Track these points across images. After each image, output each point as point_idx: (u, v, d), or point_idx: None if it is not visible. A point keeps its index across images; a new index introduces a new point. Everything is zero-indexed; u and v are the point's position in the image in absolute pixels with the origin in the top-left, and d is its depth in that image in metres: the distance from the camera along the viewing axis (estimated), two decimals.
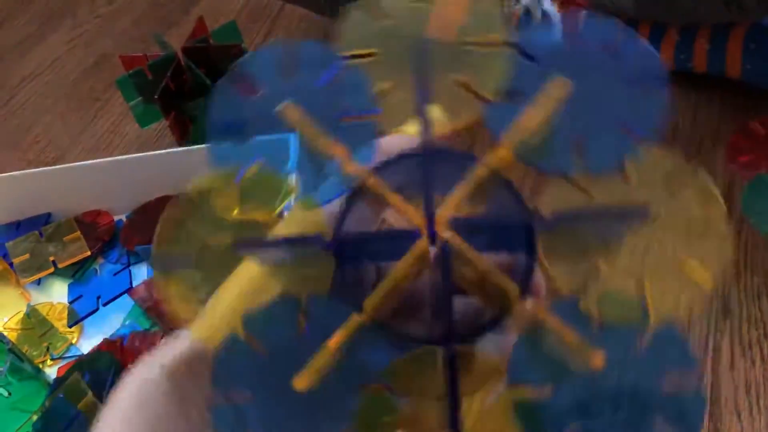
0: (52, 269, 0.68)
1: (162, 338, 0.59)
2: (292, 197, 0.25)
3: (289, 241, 0.23)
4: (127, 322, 0.63)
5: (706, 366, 0.55)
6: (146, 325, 0.62)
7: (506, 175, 0.24)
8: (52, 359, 0.62)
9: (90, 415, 0.53)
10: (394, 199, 0.23)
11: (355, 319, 0.22)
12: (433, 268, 0.24)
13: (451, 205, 0.23)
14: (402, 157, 0.24)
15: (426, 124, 0.24)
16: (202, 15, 0.79)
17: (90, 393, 0.54)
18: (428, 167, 0.24)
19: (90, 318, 0.65)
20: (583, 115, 0.24)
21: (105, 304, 0.66)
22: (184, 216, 0.25)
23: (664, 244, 0.24)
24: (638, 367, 0.23)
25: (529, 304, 0.23)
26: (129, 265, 0.68)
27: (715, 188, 0.24)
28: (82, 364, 0.58)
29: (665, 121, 0.24)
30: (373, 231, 0.25)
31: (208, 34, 0.77)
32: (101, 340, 0.61)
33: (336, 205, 0.24)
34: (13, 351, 0.61)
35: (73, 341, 0.63)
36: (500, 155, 0.23)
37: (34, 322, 0.64)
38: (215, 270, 0.25)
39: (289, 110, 0.24)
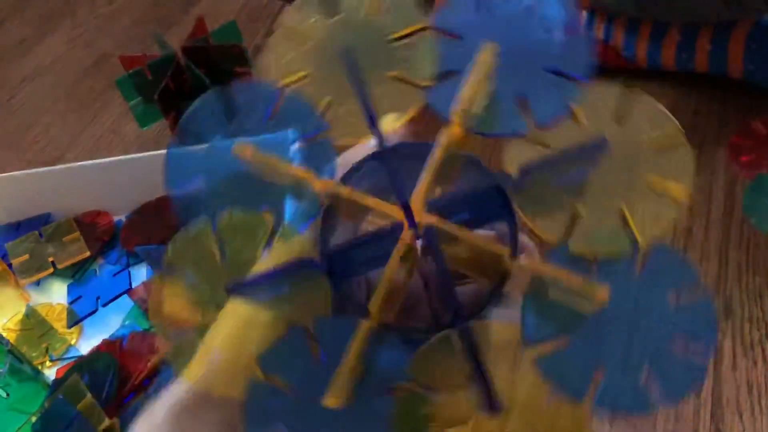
0: (51, 270, 0.68)
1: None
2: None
3: (280, 273, 0.23)
4: (126, 323, 0.63)
5: (707, 367, 0.55)
6: (145, 325, 0.62)
7: (466, 151, 0.24)
8: (51, 360, 0.62)
9: (89, 416, 0.53)
10: (370, 200, 0.24)
11: (365, 325, 0.22)
12: (422, 257, 0.24)
13: (422, 191, 0.24)
14: (364, 162, 0.25)
15: (376, 125, 0.24)
16: (201, 15, 0.78)
17: (89, 394, 0.54)
18: (391, 163, 0.24)
19: (89, 319, 0.65)
20: (518, 74, 0.25)
21: (104, 305, 0.66)
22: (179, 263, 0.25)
23: (630, 170, 0.25)
24: (642, 292, 0.23)
25: (523, 262, 0.23)
26: (128, 266, 0.68)
27: (661, 106, 0.25)
28: (82, 365, 0.58)
29: (594, 58, 0.25)
30: (357, 237, 0.25)
31: (208, 33, 0.76)
32: (100, 341, 0.61)
33: (315, 227, 0.24)
34: (12, 352, 0.60)
35: (73, 342, 0.63)
36: (452, 132, 0.24)
37: (33, 323, 0.64)
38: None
39: (240, 149, 0.24)
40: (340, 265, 0.24)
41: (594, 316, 0.23)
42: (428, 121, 0.26)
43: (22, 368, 0.60)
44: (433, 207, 0.24)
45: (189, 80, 0.74)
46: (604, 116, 0.25)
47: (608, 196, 0.25)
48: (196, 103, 0.25)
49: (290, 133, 0.24)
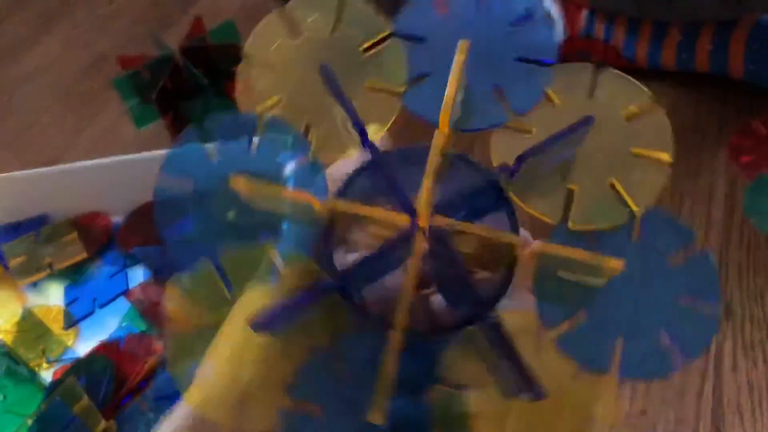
0: (48, 271, 0.67)
1: (158, 341, 0.59)
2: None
3: (301, 301, 0.24)
4: (123, 324, 0.63)
5: (708, 367, 0.55)
6: (142, 327, 0.62)
7: (455, 150, 0.25)
8: (48, 362, 0.61)
9: (85, 418, 0.52)
10: (376, 212, 0.24)
11: (396, 337, 0.22)
12: (431, 259, 0.25)
13: (426, 197, 0.24)
14: (357, 175, 0.25)
15: (366, 136, 0.25)
16: (199, 15, 0.78)
17: (86, 396, 0.53)
18: (386, 172, 0.24)
19: (86, 320, 0.64)
20: (490, 68, 0.26)
21: (101, 306, 0.65)
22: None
23: (614, 143, 0.26)
24: (643, 257, 0.24)
25: (531, 246, 0.24)
26: (126, 267, 0.67)
27: (627, 76, 0.26)
28: (78, 367, 0.57)
29: (560, 42, 0.26)
30: (370, 254, 0.25)
31: (206, 33, 0.76)
32: (97, 342, 0.60)
33: (317, 247, 0.24)
34: (9, 354, 0.60)
35: (69, 344, 0.63)
36: (443, 134, 0.25)
37: (30, 324, 0.64)
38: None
39: (235, 182, 0.24)
40: (351, 281, 0.24)
41: (602, 288, 0.24)
42: (406, 124, 0.26)
43: (19, 370, 0.60)
44: (434, 209, 0.24)
45: (187, 80, 0.73)
46: (579, 95, 0.26)
47: (597, 171, 0.26)
48: (177, 149, 0.26)
49: (279, 158, 0.25)
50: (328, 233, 0.24)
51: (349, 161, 0.26)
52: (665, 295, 0.24)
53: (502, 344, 0.23)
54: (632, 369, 0.23)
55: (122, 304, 0.65)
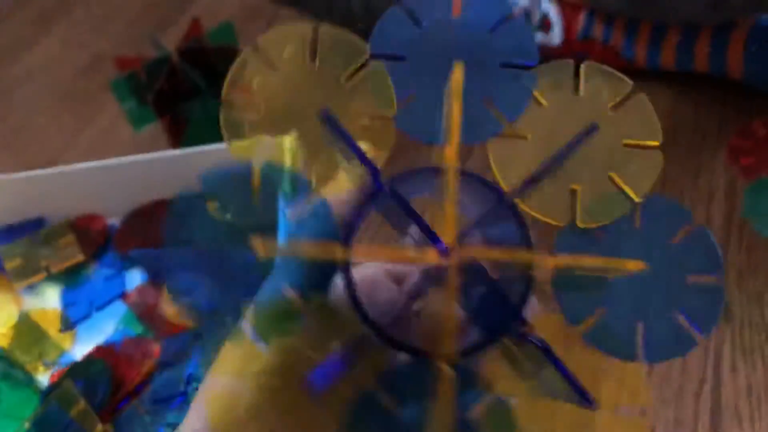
0: (45, 274, 0.67)
1: (155, 344, 0.59)
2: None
3: (347, 356, 0.23)
4: (120, 327, 0.62)
5: (706, 370, 0.55)
6: (139, 330, 0.62)
7: (465, 169, 0.25)
8: (44, 366, 0.61)
9: (82, 422, 0.52)
10: (409, 253, 0.25)
11: (448, 372, 0.22)
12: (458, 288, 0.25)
13: (452, 228, 0.24)
14: (365, 207, 0.25)
15: (369, 163, 0.25)
16: (196, 16, 0.78)
17: (82, 400, 0.53)
18: (400, 200, 0.25)
19: (83, 324, 0.64)
20: (475, 77, 0.26)
21: (98, 309, 0.65)
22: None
23: (604, 136, 0.26)
24: (646, 241, 0.25)
25: (550, 261, 0.25)
26: (123, 270, 0.67)
27: (605, 66, 0.27)
28: (75, 370, 0.57)
29: (537, 44, 0.27)
30: (403, 308, 0.26)
31: (203, 35, 0.76)
32: (94, 346, 0.60)
33: (348, 297, 0.24)
34: (5, 357, 0.60)
35: (66, 347, 0.63)
36: (452, 156, 0.25)
37: (27, 328, 0.64)
38: None
39: (255, 244, 0.24)
40: (387, 328, 0.24)
41: (623, 280, 0.25)
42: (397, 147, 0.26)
43: (15, 374, 0.60)
44: (460, 239, 0.24)
45: (184, 82, 0.73)
46: (564, 93, 0.27)
47: (595, 167, 0.26)
48: (175, 215, 0.25)
49: (282, 205, 0.24)
50: (347, 275, 0.24)
51: (346, 193, 0.25)
52: (673, 276, 0.25)
53: (548, 354, 0.23)
54: (658, 352, 0.25)
55: (119, 307, 0.64)
